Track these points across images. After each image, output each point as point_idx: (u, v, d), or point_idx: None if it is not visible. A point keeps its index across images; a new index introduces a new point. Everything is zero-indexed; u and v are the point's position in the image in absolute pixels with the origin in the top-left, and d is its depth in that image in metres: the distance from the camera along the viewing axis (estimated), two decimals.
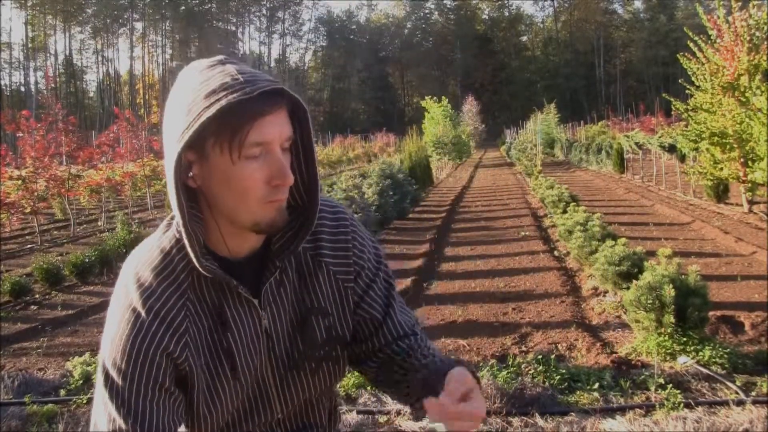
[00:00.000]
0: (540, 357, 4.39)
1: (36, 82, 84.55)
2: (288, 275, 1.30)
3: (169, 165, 1.12)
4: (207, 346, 1.23)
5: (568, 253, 8.19)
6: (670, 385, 3.94)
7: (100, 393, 1.19)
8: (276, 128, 1.13)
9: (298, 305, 1.31)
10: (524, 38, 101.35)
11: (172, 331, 1.18)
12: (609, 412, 3.74)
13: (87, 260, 8.25)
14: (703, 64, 11.57)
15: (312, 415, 1.43)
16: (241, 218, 1.18)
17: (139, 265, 1.21)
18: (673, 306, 4.42)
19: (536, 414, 3.73)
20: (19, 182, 12.07)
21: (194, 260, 1.16)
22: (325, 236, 1.34)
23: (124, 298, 1.19)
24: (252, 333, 1.27)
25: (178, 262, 1.21)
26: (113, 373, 1.17)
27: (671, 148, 16.41)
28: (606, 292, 6.25)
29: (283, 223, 1.21)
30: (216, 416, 1.27)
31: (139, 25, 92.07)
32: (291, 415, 1.39)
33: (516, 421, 3.68)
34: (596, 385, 4.02)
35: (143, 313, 1.16)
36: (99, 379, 1.20)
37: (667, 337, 4.50)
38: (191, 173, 1.16)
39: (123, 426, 1.14)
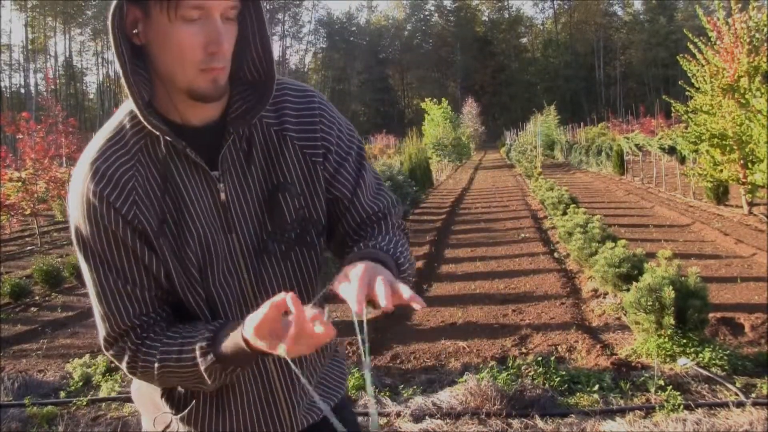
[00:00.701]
0: (540, 359, 4.39)
1: (36, 84, 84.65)
2: (253, 151, 1.27)
3: (109, 15, 1.12)
4: (160, 212, 1.21)
5: (568, 255, 8.19)
6: (670, 386, 3.94)
7: (79, 258, 1.26)
8: None
9: (266, 183, 1.27)
10: (524, 40, 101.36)
11: (119, 190, 1.18)
12: (609, 413, 3.74)
13: None
14: (703, 65, 11.57)
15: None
16: (177, 82, 1.17)
17: (96, 137, 1.25)
18: (673, 308, 4.42)
19: (536, 416, 3.72)
20: (19, 184, 12.08)
21: (139, 114, 1.16)
22: (289, 111, 1.30)
23: (79, 165, 1.22)
24: (208, 205, 1.24)
25: (130, 129, 1.22)
26: (82, 235, 1.21)
27: (671, 150, 16.42)
28: (606, 293, 6.25)
29: (219, 95, 1.19)
30: (194, 300, 1.24)
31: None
32: None
33: (516, 422, 3.68)
34: (596, 387, 4.02)
35: (94, 176, 1.18)
36: (74, 244, 1.24)
37: (667, 339, 4.50)
38: (136, 30, 1.16)
39: (106, 284, 1.23)
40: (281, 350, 1.04)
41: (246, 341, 1.10)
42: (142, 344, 1.22)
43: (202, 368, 1.16)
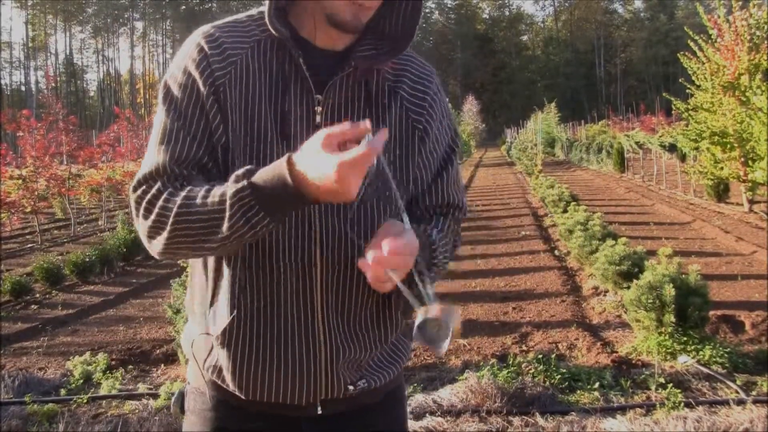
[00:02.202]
0: (540, 356, 4.39)
1: (36, 82, 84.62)
2: (363, 93, 1.28)
3: None
4: (252, 102, 1.23)
5: (569, 253, 8.19)
6: (671, 384, 3.94)
7: (159, 105, 1.27)
8: None
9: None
10: (525, 37, 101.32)
11: (222, 57, 1.22)
12: (609, 411, 3.74)
13: (87, 260, 8.25)
14: (703, 63, 11.56)
15: (354, 290, 1.29)
16: (323, 3, 1.21)
17: (208, 25, 1.29)
18: (673, 305, 4.42)
19: (537, 413, 3.72)
20: (20, 182, 12.08)
21: (266, 14, 1.21)
22: (409, 76, 1.34)
23: (201, 27, 1.28)
24: (302, 121, 1.24)
25: (248, 26, 1.27)
26: (169, 80, 1.25)
27: (672, 148, 16.42)
28: (606, 291, 6.25)
29: (355, 29, 1.23)
30: None
31: (139, 25, 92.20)
32: (333, 274, 1.26)
33: (516, 420, 3.68)
34: (597, 385, 4.02)
35: (208, 37, 1.24)
36: (159, 93, 1.28)
37: (667, 337, 4.50)
38: None
39: (166, 120, 1.23)
40: (326, 187, 1.03)
41: (291, 165, 1.06)
42: (171, 185, 1.18)
43: (229, 196, 1.09)
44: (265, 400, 1.29)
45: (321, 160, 1.03)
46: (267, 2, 1.20)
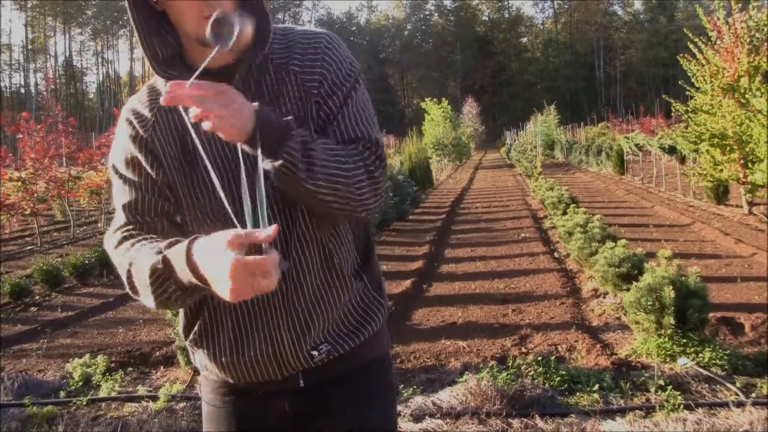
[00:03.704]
0: (540, 358, 4.39)
1: (36, 84, 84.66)
2: (263, 87, 1.40)
3: None
4: (175, 140, 1.40)
5: (568, 255, 8.18)
6: (670, 386, 3.94)
7: (112, 180, 1.48)
8: None
9: None
10: (524, 40, 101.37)
11: (144, 123, 1.43)
12: (609, 413, 3.74)
13: (87, 262, 8.25)
14: (703, 65, 11.57)
15: (300, 265, 1.41)
16: (188, 32, 1.32)
17: (128, 102, 1.49)
18: (673, 307, 4.42)
19: (536, 415, 3.72)
20: (19, 184, 12.08)
21: (152, 68, 1.35)
22: (297, 50, 1.43)
23: (128, 102, 1.49)
24: (220, 139, 1.32)
25: (156, 88, 1.45)
26: (114, 159, 1.47)
27: (671, 150, 16.41)
28: (606, 293, 6.25)
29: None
30: (201, 216, 1.39)
31: None
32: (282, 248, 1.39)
33: (516, 422, 3.68)
34: (596, 387, 4.02)
35: (131, 111, 1.46)
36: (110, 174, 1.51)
37: (667, 339, 4.50)
38: None
39: (120, 186, 1.44)
40: (221, 285, 1.12)
41: (189, 256, 1.17)
42: (129, 236, 1.38)
43: (149, 267, 1.25)
44: (249, 380, 1.46)
45: (219, 257, 1.11)
46: (148, 61, 1.35)
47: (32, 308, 7.18)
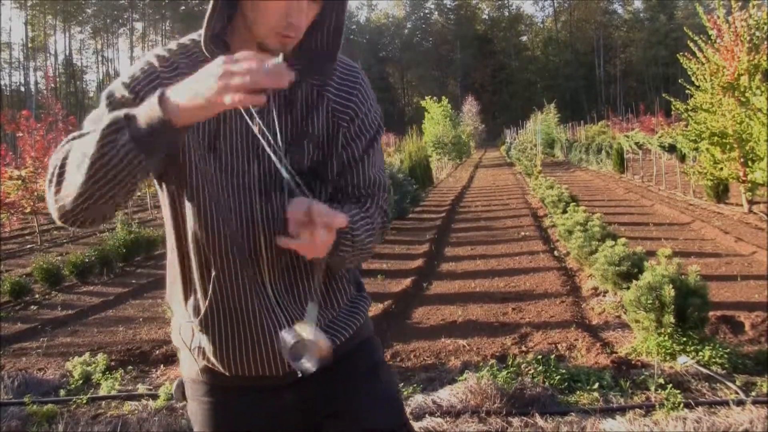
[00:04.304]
0: (540, 357, 4.39)
1: (36, 82, 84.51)
2: (294, 99, 1.43)
3: None
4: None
5: (568, 253, 8.18)
6: (670, 385, 3.94)
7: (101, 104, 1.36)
8: None
9: (296, 128, 1.43)
10: (524, 38, 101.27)
11: (171, 68, 1.36)
12: (609, 412, 3.74)
13: (87, 260, 8.25)
14: (703, 64, 11.57)
15: (300, 271, 1.46)
16: (255, 32, 1.34)
17: (157, 47, 1.45)
18: (673, 306, 4.42)
19: (536, 414, 3.72)
20: (19, 182, 12.08)
21: (203, 40, 1.34)
22: (335, 78, 1.47)
23: (143, 56, 1.42)
24: (240, 131, 1.39)
25: (191, 50, 1.40)
26: (114, 90, 1.35)
27: (671, 148, 16.44)
28: (606, 292, 6.25)
29: (282, 52, 1.32)
30: (205, 206, 1.38)
31: (139, 25, 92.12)
32: (279, 258, 1.43)
33: (516, 421, 3.68)
34: (596, 385, 4.01)
35: (159, 53, 1.40)
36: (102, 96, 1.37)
37: (667, 337, 4.50)
38: None
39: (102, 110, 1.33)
40: (204, 87, 1.11)
41: (163, 93, 1.15)
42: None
43: (105, 124, 1.17)
44: (246, 374, 1.47)
45: (206, 72, 1.13)
46: (203, 31, 1.34)
47: (32, 307, 7.19)
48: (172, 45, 1.43)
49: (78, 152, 1.20)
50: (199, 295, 1.46)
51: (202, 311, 1.45)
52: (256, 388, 1.50)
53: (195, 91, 1.13)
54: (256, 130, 1.38)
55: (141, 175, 1.21)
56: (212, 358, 1.48)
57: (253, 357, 1.45)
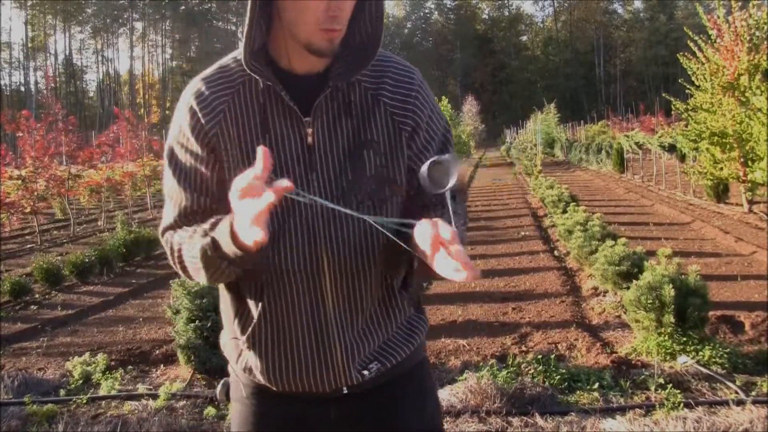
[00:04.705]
0: (540, 357, 4.39)
1: (36, 82, 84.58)
2: (348, 107, 1.38)
3: None
4: (244, 140, 1.35)
5: (568, 253, 8.18)
6: (670, 384, 3.94)
7: (165, 166, 1.43)
8: None
9: (354, 137, 1.38)
10: (524, 38, 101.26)
11: (209, 110, 1.36)
12: (609, 412, 3.74)
13: (87, 260, 8.25)
14: (703, 63, 11.57)
15: (362, 292, 1.40)
16: (298, 35, 1.30)
17: (196, 78, 1.42)
18: (673, 306, 4.42)
19: (536, 414, 3.72)
20: (19, 182, 12.08)
21: (243, 60, 1.31)
22: (389, 81, 1.41)
23: (190, 83, 1.42)
24: (295, 145, 1.35)
25: (233, 71, 1.38)
26: (172, 147, 1.40)
27: (671, 148, 16.42)
28: (606, 291, 6.25)
29: (332, 53, 1.32)
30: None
31: (139, 25, 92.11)
32: (341, 279, 1.38)
33: (516, 420, 3.68)
34: (596, 385, 4.02)
35: (195, 94, 1.38)
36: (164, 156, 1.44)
37: (667, 337, 4.50)
38: None
39: (172, 180, 1.40)
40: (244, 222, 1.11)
41: (232, 225, 1.18)
42: (179, 231, 1.39)
43: (199, 249, 1.27)
44: (293, 391, 1.44)
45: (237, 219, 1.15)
46: (243, 49, 1.30)
47: (32, 306, 7.18)
48: (211, 71, 1.40)
49: (191, 265, 1.33)
50: (248, 313, 1.43)
51: (251, 329, 1.42)
52: (301, 398, 1.47)
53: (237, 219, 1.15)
54: (309, 142, 1.35)
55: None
56: (258, 375, 1.45)
57: (300, 376, 1.42)
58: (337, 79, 1.35)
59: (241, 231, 1.14)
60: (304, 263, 1.36)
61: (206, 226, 1.29)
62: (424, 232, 1.12)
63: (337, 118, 1.37)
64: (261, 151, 1.09)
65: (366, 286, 1.40)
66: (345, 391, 1.44)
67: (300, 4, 1.26)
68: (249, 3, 1.27)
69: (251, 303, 1.41)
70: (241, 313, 1.45)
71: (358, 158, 1.37)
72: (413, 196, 1.43)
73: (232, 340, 1.48)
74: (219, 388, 1.66)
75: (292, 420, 1.49)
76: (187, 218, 1.39)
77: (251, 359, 1.45)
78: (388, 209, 1.39)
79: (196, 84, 1.40)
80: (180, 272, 1.39)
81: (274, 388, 1.45)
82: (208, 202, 1.39)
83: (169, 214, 1.42)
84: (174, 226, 1.40)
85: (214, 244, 1.23)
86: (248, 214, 1.09)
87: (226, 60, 1.41)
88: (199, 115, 1.36)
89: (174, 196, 1.40)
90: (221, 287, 1.49)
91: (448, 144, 1.47)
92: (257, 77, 1.33)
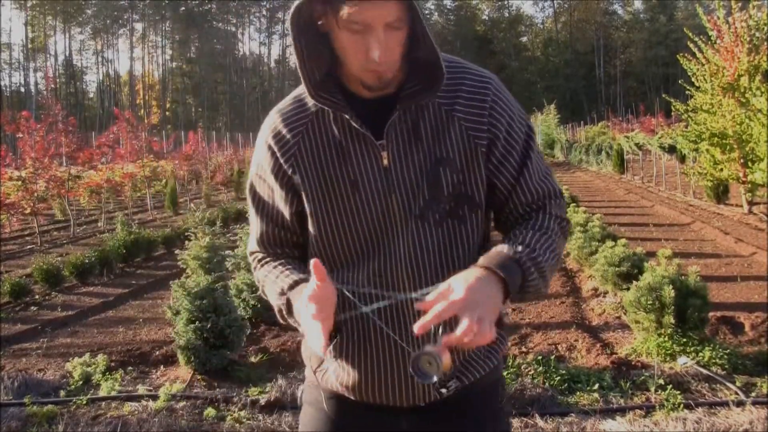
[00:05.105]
0: (540, 358, 4.39)
1: (36, 83, 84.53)
2: (421, 125, 1.38)
3: (291, 10, 1.32)
4: (322, 171, 1.39)
5: (568, 254, 8.18)
6: (670, 385, 3.94)
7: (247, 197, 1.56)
8: (376, 11, 1.24)
9: (429, 155, 1.37)
10: (524, 39, 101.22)
11: (283, 144, 1.42)
12: (609, 412, 3.74)
13: (87, 261, 8.25)
14: (703, 64, 11.57)
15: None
16: (350, 70, 1.34)
17: (274, 110, 1.48)
18: (672, 307, 4.42)
19: (536, 415, 3.72)
20: (19, 183, 12.07)
21: (306, 94, 1.37)
22: (463, 95, 1.39)
23: (268, 117, 1.49)
24: (372, 168, 1.37)
25: (305, 103, 1.43)
26: (253, 183, 1.51)
27: (671, 149, 16.42)
28: (606, 292, 6.25)
29: (385, 86, 1.34)
30: (342, 241, 1.41)
31: (139, 26, 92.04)
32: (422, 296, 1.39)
33: (516, 421, 3.67)
34: (596, 386, 4.02)
35: (271, 130, 1.45)
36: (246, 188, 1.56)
37: (667, 338, 4.50)
38: (321, 21, 1.32)
39: (252, 210, 1.52)
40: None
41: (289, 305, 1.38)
42: (262, 262, 1.52)
43: (275, 304, 1.42)
44: (370, 402, 1.46)
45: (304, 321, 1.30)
46: (304, 85, 1.36)
47: (32, 307, 7.18)
48: (287, 103, 1.46)
49: (274, 303, 1.46)
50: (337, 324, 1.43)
51: (335, 340, 1.44)
52: (375, 408, 1.47)
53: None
54: (384, 164, 1.37)
55: None
56: (336, 384, 1.47)
57: (378, 390, 1.43)
58: (405, 102, 1.36)
59: (309, 337, 1.26)
60: (386, 283, 1.38)
61: (285, 283, 1.41)
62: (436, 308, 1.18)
63: (411, 137, 1.37)
64: (313, 264, 1.22)
65: None
66: (421, 404, 1.45)
67: (342, 48, 1.30)
68: (292, 37, 1.32)
69: (336, 320, 1.41)
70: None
71: (434, 177, 1.36)
72: (503, 204, 1.45)
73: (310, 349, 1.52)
74: (300, 392, 1.77)
75: (364, 428, 1.50)
76: (264, 245, 1.52)
77: (333, 368, 1.47)
78: (467, 228, 1.41)
79: (273, 119, 1.46)
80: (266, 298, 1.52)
81: (352, 398, 1.47)
82: (283, 233, 1.49)
83: (252, 240, 1.56)
84: (256, 251, 1.54)
85: (288, 307, 1.38)
86: (313, 328, 1.23)
87: (301, 88, 1.44)
88: (278, 154, 1.42)
89: (254, 224, 1.52)
90: None
91: (530, 150, 1.44)
92: (326, 108, 1.37)
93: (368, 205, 1.37)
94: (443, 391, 1.43)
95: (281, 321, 1.47)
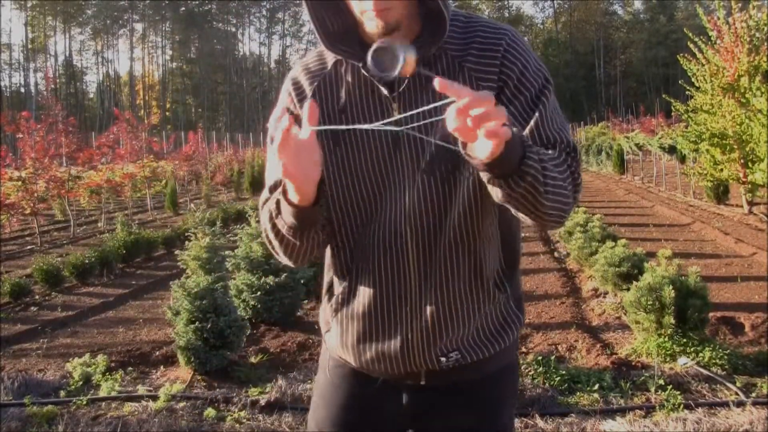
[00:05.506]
0: (540, 358, 4.39)
1: (36, 84, 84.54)
2: (430, 77, 1.32)
3: None
4: (332, 117, 1.40)
5: (568, 254, 8.18)
6: (670, 386, 3.94)
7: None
8: None
9: (438, 108, 1.30)
10: (524, 39, 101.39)
11: (302, 96, 1.43)
12: (609, 413, 3.74)
13: (87, 261, 8.25)
14: (703, 65, 11.57)
15: (446, 271, 1.39)
16: (362, 22, 1.34)
17: (299, 61, 1.52)
18: (673, 307, 4.42)
19: (536, 415, 3.72)
20: (19, 183, 12.06)
21: (320, 42, 1.38)
22: (476, 46, 1.37)
23: (284, 83, 1.50)
24: (385, 116, 1.36)
25: (325, 56, 1.45)
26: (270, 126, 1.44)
27: (671, 149, 16.42)
28: (606, 293, 6.25)
29: (388, 32, 1.31)
30: (345, 198, 1.40)
31: (139, 26, 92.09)
32: (425, 255, 1.38)
33: (516, 422, 3.67)
34: (596, 386, 4.02)
35: (292, 79, 1.47)
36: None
37: (667, 339, 4.50)
38: None
39: (270, 155, 1.43)
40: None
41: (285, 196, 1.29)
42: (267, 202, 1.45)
43: (272, 209, 1.35)
44: (370, 369, 1.47)
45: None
46: (317, 34, 1.36)
47: (32, 308, 7.18)
48: (310, 54, 1.49)
49: (269, 232, 1.40)
50: (339, 287, 1.48)
51: (337, 302, 1.48)
52: (376, 381, 1.49)
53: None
54: (394, 116, 1.34)
55: (314, 230, 1.36)
56: (340, 348, 1.49)
57: (381, 353, 1.43)
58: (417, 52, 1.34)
59: (273, 167, 1.26)
60: (389, 238, 1.38)
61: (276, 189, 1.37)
62: (449, 114, 1.07)
63: (421, 89, 1.35)
64: (308, 105, 1.17)
65: (450, 264, 1.39)
66: (422, 382, 1.45)
67: None
68: None
69: (340, 277, 1.47)
70: (332, 287, 1.51)
71: (442, 129, 1.30)
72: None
73: (323, 312, 1.54)
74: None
75: (364, 398, 1.51)
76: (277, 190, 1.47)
77: (335, 330, 1.49)
78: (475, 181, 1.34)
79: (296, 68, 1.49)
80: (270, 249, 1.46)
81: (353, 363, 1.48)
82: None
83: (265, 190, 1.48)
84: (267, 199, 1.45)
85: (276, 204, 1.32)
86: (274, 150, 1.17)
87: (318, 49, 1.49)
88: (293, 96, 1.45)
89: (269, 171, 1.46)
90: (326, 260, 1.54)
91: (544, 98, 1.36)
92: (341, 57, 1.38)
93: (376, 156, 1.37)
94: (442, 359, 1.41)
95: (273, 238, 1.40)
